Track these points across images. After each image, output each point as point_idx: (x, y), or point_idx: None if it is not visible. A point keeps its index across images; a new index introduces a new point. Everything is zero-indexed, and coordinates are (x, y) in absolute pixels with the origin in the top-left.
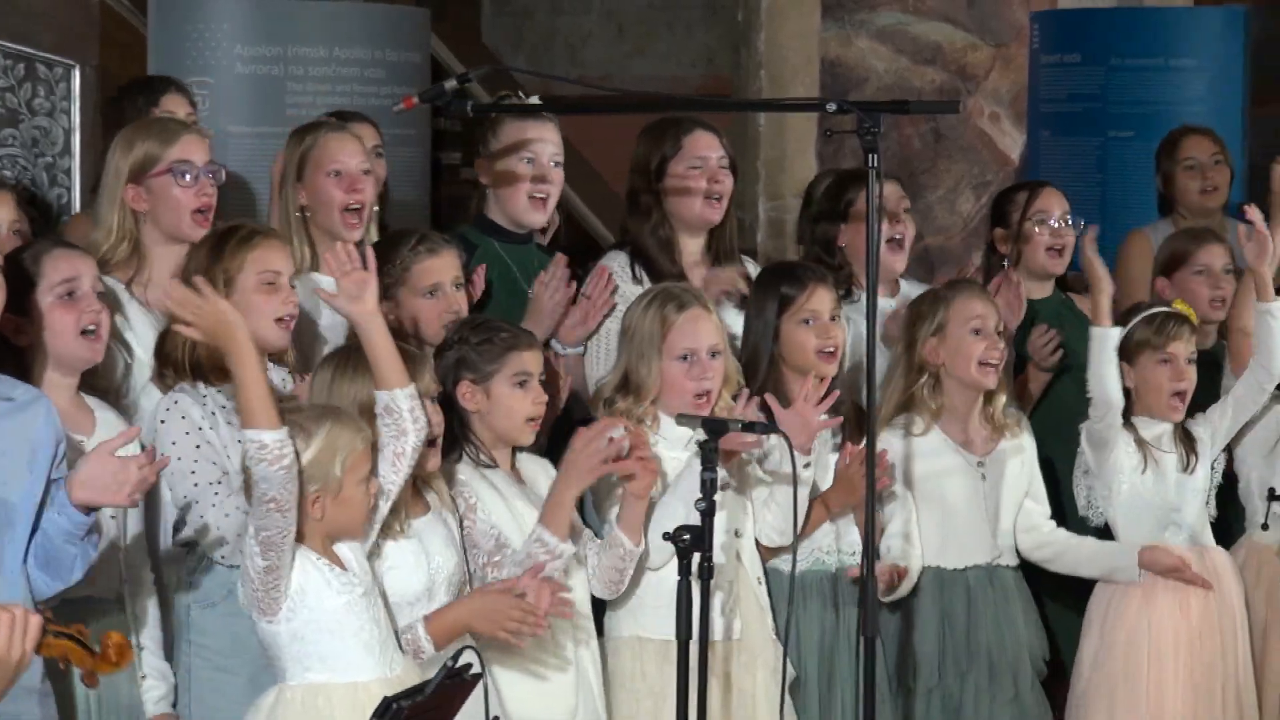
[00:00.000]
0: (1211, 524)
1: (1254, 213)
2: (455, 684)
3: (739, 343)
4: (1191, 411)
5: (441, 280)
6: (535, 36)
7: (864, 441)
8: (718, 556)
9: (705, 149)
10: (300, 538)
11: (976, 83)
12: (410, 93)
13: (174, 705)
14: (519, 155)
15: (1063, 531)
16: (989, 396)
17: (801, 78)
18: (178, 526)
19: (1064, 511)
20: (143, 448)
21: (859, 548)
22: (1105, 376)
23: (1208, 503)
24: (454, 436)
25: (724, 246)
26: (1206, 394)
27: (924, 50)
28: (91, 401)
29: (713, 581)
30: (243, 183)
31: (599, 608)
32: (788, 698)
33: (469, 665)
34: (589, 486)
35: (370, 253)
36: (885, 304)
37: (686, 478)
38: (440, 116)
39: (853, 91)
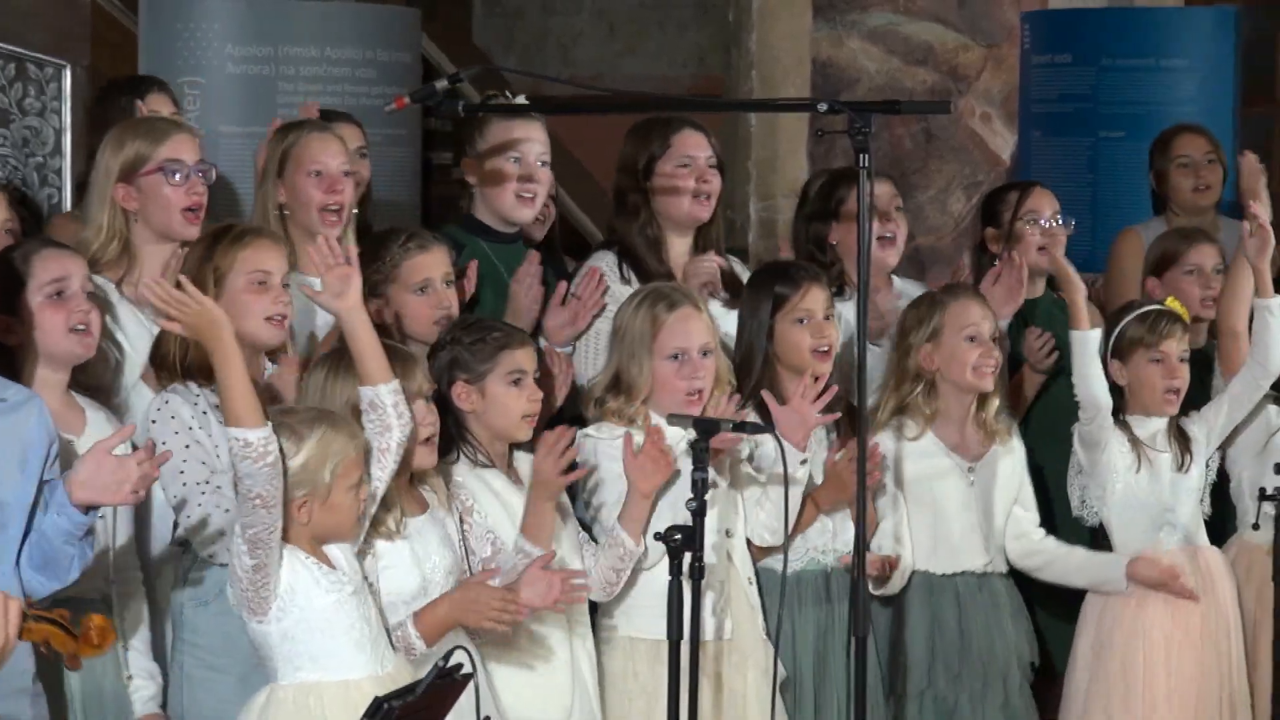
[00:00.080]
0: (1206, 522)
1: (1258, 207)
2: (446, 684)
3: (730, 341)
4: (1184, 410)
5: (432, 277)
6: (526, 36)
7: (852, 443)
8: (709, 556)
9: (693, 148)
10: (288, 537)
11: (968, 83)
12: (401, 93)
13: (164, 705)
14: (506, 155)
15: (1051, 540)
16: (982, 401)
17: (793, 78)
18: (177, 525)
19: (1060, 514)
20: (135, 447)
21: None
22: (1090, 378)
23: (1202, 501)
24: (450, 437)
25: (711, 246)
26: (1197, 393)
27: (915, 50)
28: (82, 401)
29: (704, 581)
30: (233, 183)
31: (591, 607)
32: (779, 698)
33: (460, 665)
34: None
35: (353, 248)
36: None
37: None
38: (431, 116)
39: (844, 92)
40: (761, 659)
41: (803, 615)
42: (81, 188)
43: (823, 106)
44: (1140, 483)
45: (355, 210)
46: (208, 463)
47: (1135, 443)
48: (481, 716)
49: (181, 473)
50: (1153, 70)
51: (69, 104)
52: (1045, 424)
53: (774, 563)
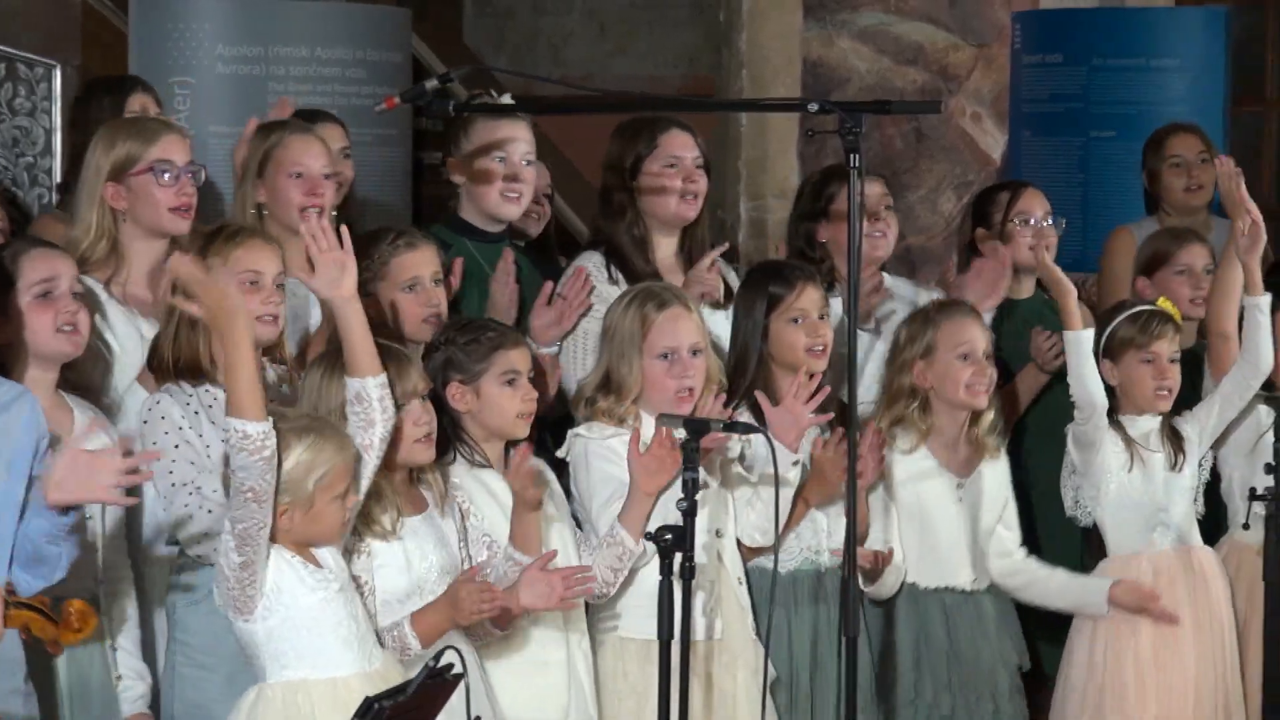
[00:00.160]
0: (1200, 522)
1: (1250, 204)
2: (437, 684)
3: (719, 342)
4: (1176, 410)
5: (420, 274)
6: (517, 36)
7: (838, 432)
8: (699, 556)
9: (680, 148)
10: (274, 536)
11: (958, 83)
12: (392, 93)
13: (153, 705)
14: (491, 154)
15: (1034, 561)
16: (975, 418)
17: (783, 78)
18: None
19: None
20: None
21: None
22: (1085, 378)
23: (1195, 500)
24: (446, 437)
25: (698, 246)
26: (1188, 394)
27: (906, 50)
28: (71, 400)
29: (694, 581)
30: (222, 183)
31: (585, 607)
32: (769, 698)
33: (451, 665)
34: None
35: (347, 234)
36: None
37: None
38: (421, 116)
39: (835, 91)
40: (751, 659)
41: (798, 615)
42: (64, 187)
43: (813, 106)
44: (1134, 482)
45: (334, 213)
46: (197, 463)
47: (1129, 443)
48: (472, 717)
49: (171, 473)
50: (1143, 70)
51: (59, 104)
52: (1045, 425)
53: (767, 562)
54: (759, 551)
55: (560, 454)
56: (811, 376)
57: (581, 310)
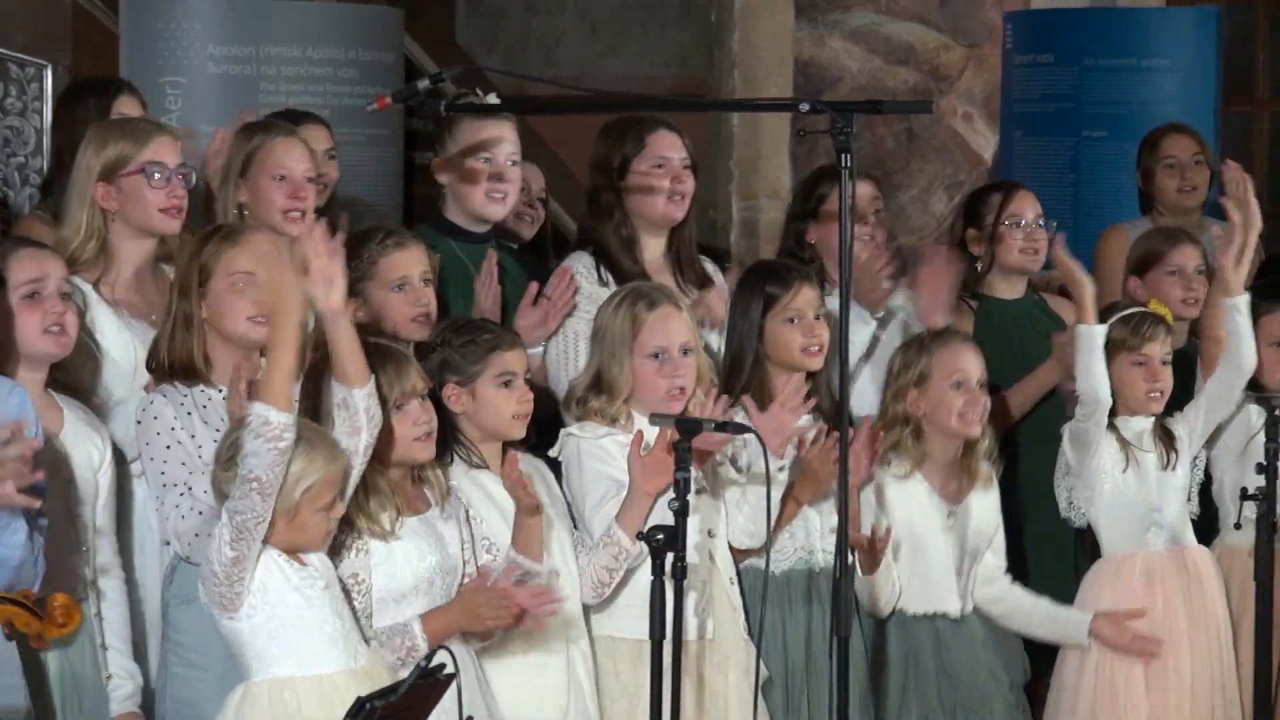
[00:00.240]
0: (1194, 523)
1: (1231, 205)
2: (429, 684)
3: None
4: (1168, 411)
5: (410, 274)
6: (509, 36)
7: (821, 430)
8: (691, 556)
9: (668, 149)
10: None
11: (950, 83)
12: (384, 93)
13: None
14: (477, 155)
15: (1018, 588)
16: (969, 445)
17: (775, 78)
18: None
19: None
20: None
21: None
22: (1094, 374)
23: (1189, 500)
24: (443, 439)
25: (684, 246)
26: (1179, 394)
27: (897, 50)
28: (60, 400)
29: (686, 581)
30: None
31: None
32: (761, 698)
33: (443, 665)
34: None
35: (339, 247)
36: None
37: None
38: (413, 117)
39: (826, 91)
40: (743, 659)
41: (791, 615)
42: (46, 187)
43: (805, 106)
44: (1128, 483)
45: (314, 214)
46: (188, 463)
47: (1123, 443)
48: (464, 717)
49: (162, 473)
50: (1134, 70)
51: (50, 104)
52: (1038, 427)
53: (760, 562)
54: (751, 553)
55: (553, 453)
56: (812, 377)
57: (566, 311)
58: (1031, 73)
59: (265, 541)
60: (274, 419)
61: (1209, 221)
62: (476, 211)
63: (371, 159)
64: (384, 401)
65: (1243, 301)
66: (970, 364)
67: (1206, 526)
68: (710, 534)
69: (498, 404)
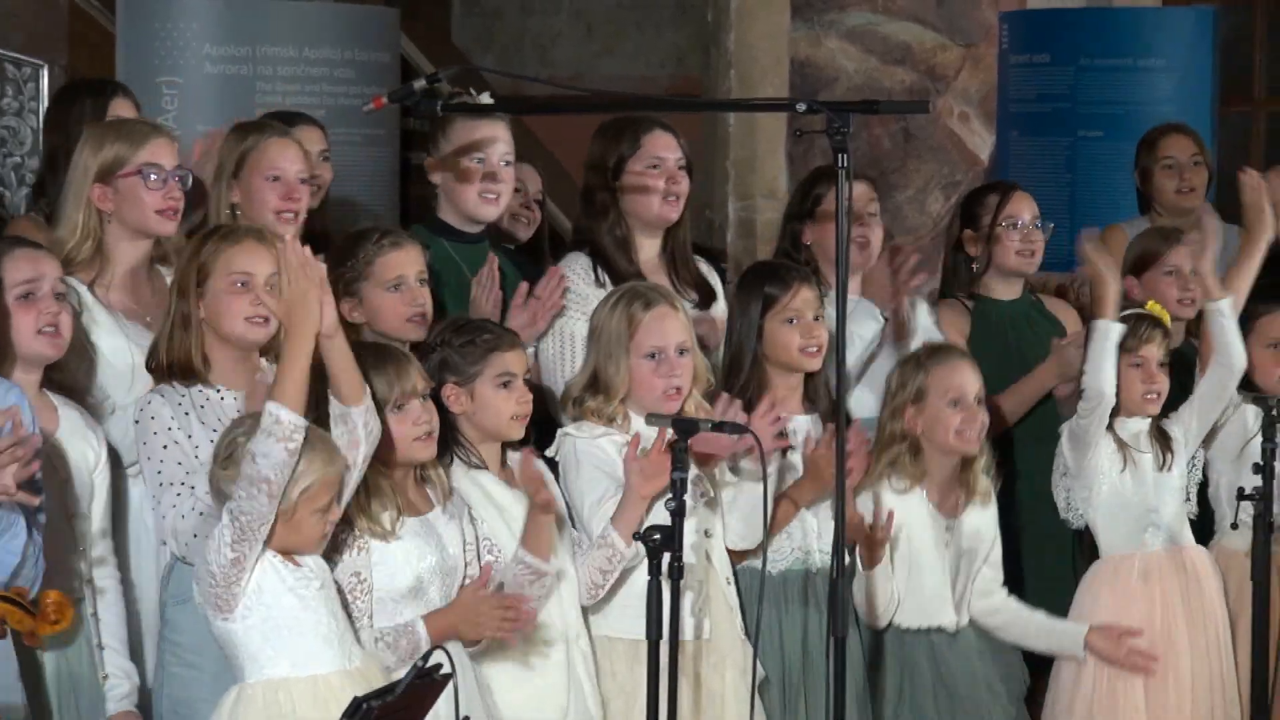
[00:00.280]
0: (1193, 524)
1: (1148, 229)
2: (425, 684)
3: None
4: (1164, 411)
5: (405, 274)
6: (505, 36)
7: (830, 430)
8: (688, 556)
9: (664, 149)
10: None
11: (946, 83)
12: (380, 93)
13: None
14: (470, 155)
15: (1013, 600)
16: (968, 460)
17: (771, 78)
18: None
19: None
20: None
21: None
22: (1103, 369)
23: (1188, 500)
24: (443, 439)
25: (679, 247)
26: (1176, 394)
27: (893, 50)
28: (55, 399)
29: (682, 581)
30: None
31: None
32: (758, 699)
33: (439, 665)
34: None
35: (323, 271)
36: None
37: None
38: (410, 116)
39: (822, 91)
40: (740, 659)
41: (788, 615)
42: (38, 189)
43: (801, 106)
44: (1125, 483)
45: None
46: (184, 463)
47: (1120, 444)
48: (461, 718)
49: (159, 472)
50: (1131, 70)
51: (46, 104)
52: (1034, 428)
53: (757, 562)
54: (748, 554)
55: (550, 453)
56: (810, 377)
57: (555, 311)
58: (1028, 73)
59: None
60: (285, 419)
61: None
62: (469, 213)
63: (367, 159)
64: (385, 402)
65: (1225, 304)
66: (967, 381)
67: (1203, 527)
68: (707, 534)
69: (497, 404)
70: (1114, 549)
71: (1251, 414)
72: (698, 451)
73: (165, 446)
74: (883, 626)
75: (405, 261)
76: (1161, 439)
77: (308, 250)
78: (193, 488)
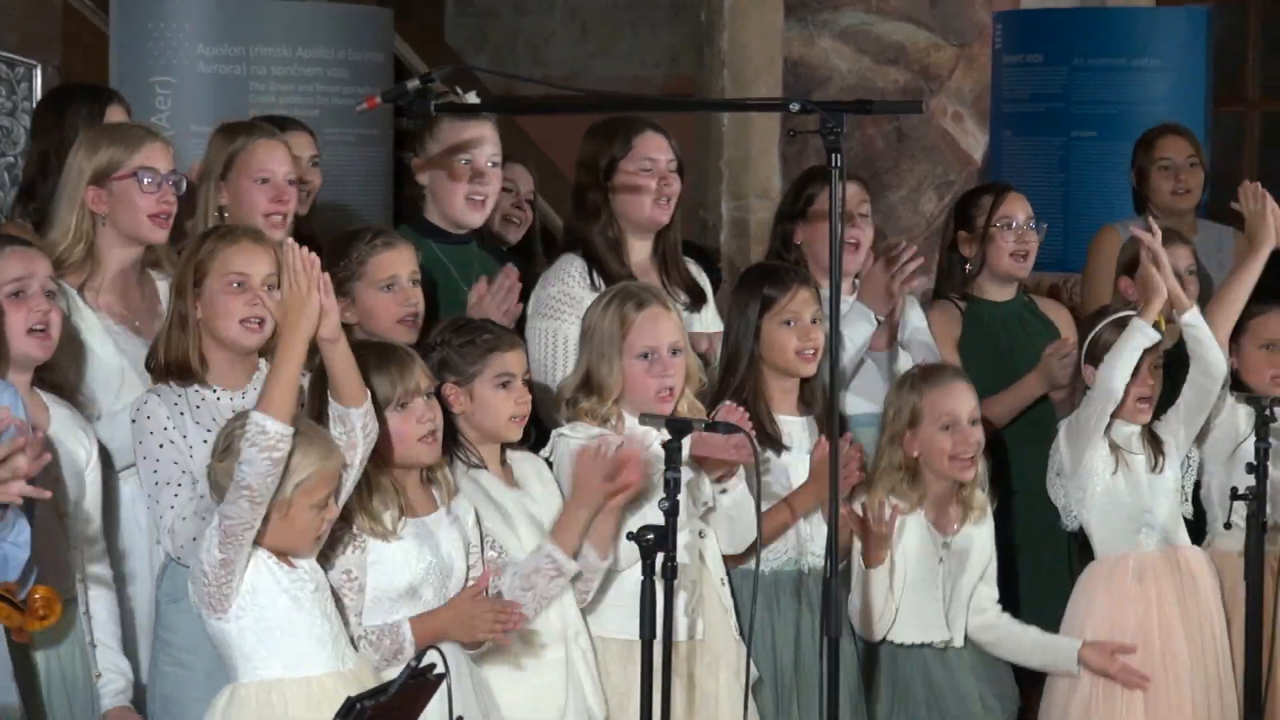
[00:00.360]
0: (1189, 524)
1: (1146, 229)
2: (419, 684)
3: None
4: (1158, 412)
5: (398, 274)
6: (499, 36)
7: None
8: (681, 556)
9: (655, 150)
10: (255, 540)
11: (939, 83)
12: (373, 93)
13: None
14: (457, 156)
15: (1006, 617)
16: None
17: (764, 77)
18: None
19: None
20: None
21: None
22: (1119, 367)
23: (1184, 501)
24: (446, 438)
25: (670, 249)
26: (1168, 394)
27: (887, 50)
28: (46, 397)
29: (676, 581)
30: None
31: None
32: (752, 699)
33: (432, 665)
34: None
35: (326, 277)
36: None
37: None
38: (403, 117)
39: (816, 91)
40: (734, 659)
41: (781, 615)
42: (26, 194)
43: (795, 106)
44: (1118, 485)
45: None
46: (179, 463)
47: (1112, 446)
48: (455, 718)
49: (155, 471)
50: (1124, 70)
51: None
52: (1029, 430)
53: (752, 563)
54: (742, 557)
55: (544, 454)
56: (806, 382)
57: (506, 308)
58: (1021, 72)
59: (256, 542)
60: (271, 428)
61: (1202, 223)
62: (455, 218)
63: (361, 159)
64: (388, 400)
65: (1191, 314)
66: (959, 403)
67: (1196, 527)
68: (701, 534)
69: (496, 405)
70: (1108, 550)
71: (1243, 414)
72: (695, 454)
73: (161, 446)
74: (877, 639)
75: (398, 261)
76: (1153, 441)
77: (313, 255)
78: (189, 486)
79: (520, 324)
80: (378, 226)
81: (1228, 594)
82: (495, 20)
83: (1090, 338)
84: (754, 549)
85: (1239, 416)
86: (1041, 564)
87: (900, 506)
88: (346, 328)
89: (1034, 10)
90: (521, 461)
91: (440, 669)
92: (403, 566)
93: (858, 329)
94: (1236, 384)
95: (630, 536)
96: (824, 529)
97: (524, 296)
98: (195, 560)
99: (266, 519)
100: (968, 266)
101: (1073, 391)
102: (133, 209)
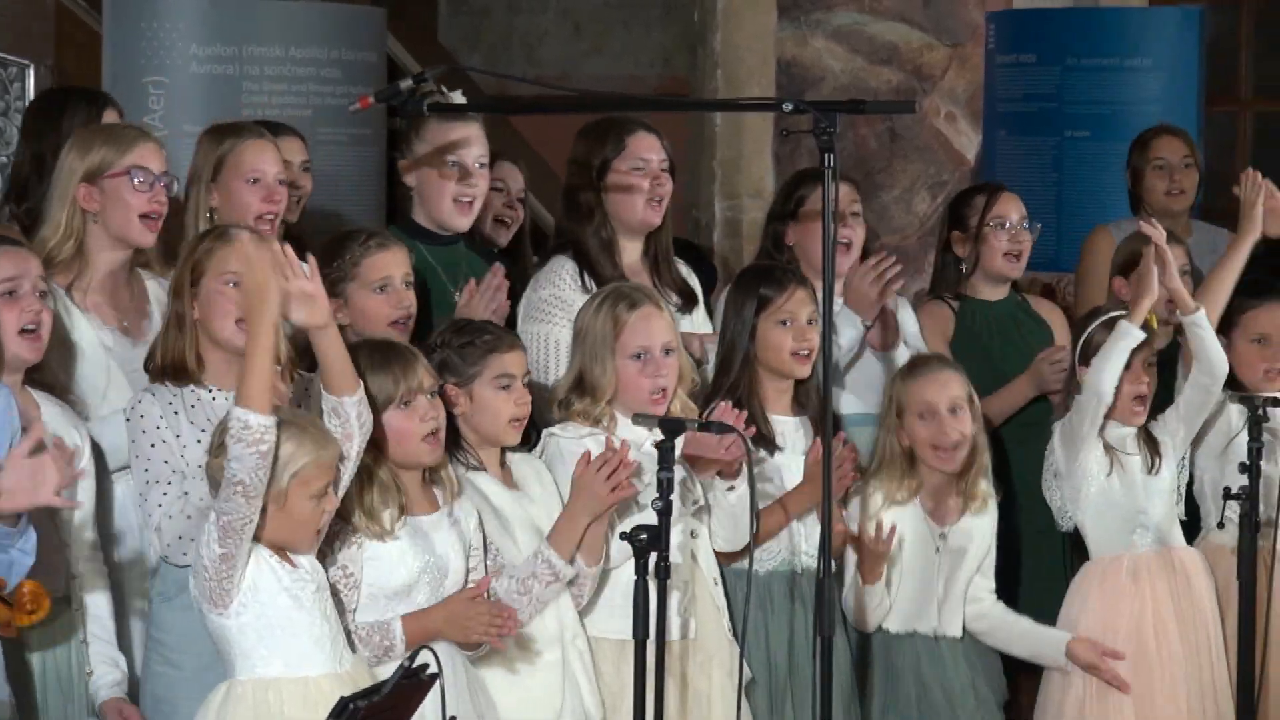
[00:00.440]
0: (1183, 524)
1: (1151, 228)
2: (412, 684)
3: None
4: (1152, 412)
5: (391, 275)
6: (492, 36)
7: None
8: (674, 556)
9: (648, 150)
10: (255, 535)
11: (932, 83)
12: (366, 92)
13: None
14: (444, 157)
15: (1000, 607)
16: (966, 466)
17: (758, 77)
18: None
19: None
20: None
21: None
22: (1107, 369)
23: (1179, 502)
24: (449, 438)
25: (662, 250)
26: (1161, 394)
27: (880, 50)
28: (38, 396)
29: (669, 581)
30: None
31: None
32: (745, 699)
33: (425, 665)
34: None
35: (313, 264)
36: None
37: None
38: (396, 116)
39: (809, 91)
40: (726, 659)
41: (774, 615)
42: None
43: (787, 106)
44: (1113, 486)
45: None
46: (170, 462)
47: (1107, 447)
48: (448, 718)
49: (146, 470)
50: (1117, 70)
51: None
52: (1025, 430)
53: (745, 563)
54: (736, 556)
55: (535, 454)
56: (801, 382)
57: (493, 307)
58: (1014, 72)
59: (256, 539)
60: (253, 422)
61: (1196, 224)
62: (442, 222)
63: (354, 159)
64: (391, 398)
65: (1199, 317)
66: (936, 393)
67: (1189, 525)
68: (693, 534)
69: (495, 406)
70: (1103, 550)
71: (1235, 412)
72: (687, 454)
73: (153, 445)
74: (871, 630)
75: (391, 263)
76: (1149, 442)
77: (287, 248)
78: (178, 485)
79: (511, 325)
80: (371, 228)
81: (1221, 589)
82: (488, 20)
83: (1083, 339)
84: (749, 549)
85: (1231, 413)
86: (1038, 563)
87: (894, 519)
88: (339, 329)
89: (1027, 10)
90: (521, 463)
91: (433, 669)
92: (398, 565)
93: (843, 334)
94: (1228, 380)
95: (624, 536)
96: (818, 529)
97: (513, 296)
98: (196, 556)
99: (264, 512)
100: (961, 266)
101: (1068, 393)
102: (124, 208)
